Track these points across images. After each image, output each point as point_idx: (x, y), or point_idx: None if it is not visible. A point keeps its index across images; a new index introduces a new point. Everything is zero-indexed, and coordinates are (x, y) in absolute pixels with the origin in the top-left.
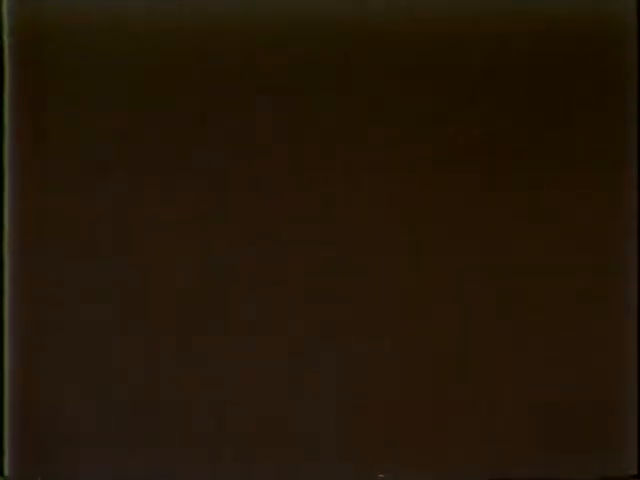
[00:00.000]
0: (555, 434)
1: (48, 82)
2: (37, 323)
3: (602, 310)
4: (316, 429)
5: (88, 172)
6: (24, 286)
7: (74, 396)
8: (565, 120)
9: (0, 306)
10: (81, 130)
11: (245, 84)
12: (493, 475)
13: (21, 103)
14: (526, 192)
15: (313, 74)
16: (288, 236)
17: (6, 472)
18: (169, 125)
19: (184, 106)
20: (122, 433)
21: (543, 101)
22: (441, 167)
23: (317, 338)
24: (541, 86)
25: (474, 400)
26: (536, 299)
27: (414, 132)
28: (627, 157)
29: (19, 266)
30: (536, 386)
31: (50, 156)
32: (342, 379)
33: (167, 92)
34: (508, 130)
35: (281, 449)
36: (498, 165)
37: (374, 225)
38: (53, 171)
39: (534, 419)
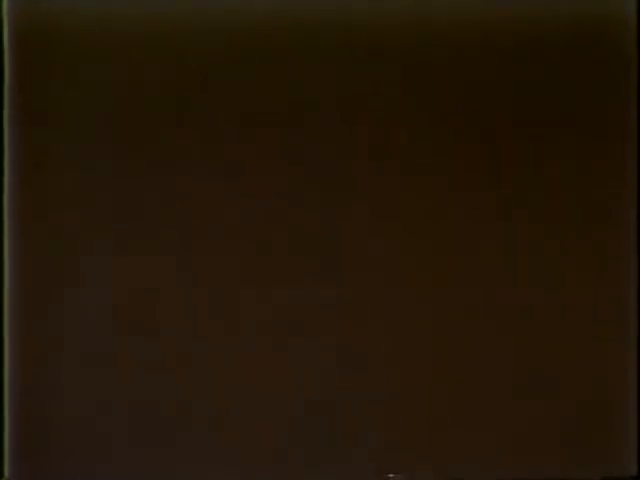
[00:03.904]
0: (555, 434)
1: (48, 82)
2: (37, 323)
3: (602, 310)
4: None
5: (88, 172)
6: (24, 286)
7: (74, 397)
8: (566, 119)
9: (0, 306)
10: (81, 130)
11: (244, 85)
12: (494, 475)
13: (21, 103)
14: (524, 192)
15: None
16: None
17: (6, 472)
18: (169, 125)
19: (184, 106)
20: (122, 433)
21: (543, 101)
22: (440, 165)
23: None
24: (541, 86)
25: (475, 401)
26: (537, 300)
27: (414, 134)
28: (627, 156)
29: (19, 268)
30: (537, 387)
31: (50, 156)
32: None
33: (166, 92)
34: (507, 129)
35: (283, 449)
36: (497, 163)
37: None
38: (53, 171)
39: (534, 419)
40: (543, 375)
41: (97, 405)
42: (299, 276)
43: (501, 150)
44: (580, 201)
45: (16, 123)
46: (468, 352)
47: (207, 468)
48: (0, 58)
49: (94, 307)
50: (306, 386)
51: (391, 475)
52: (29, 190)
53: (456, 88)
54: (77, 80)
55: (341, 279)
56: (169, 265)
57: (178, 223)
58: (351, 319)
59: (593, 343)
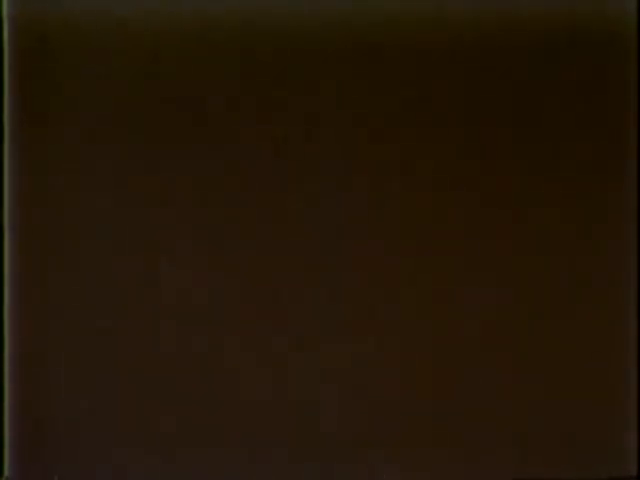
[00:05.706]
0: (555, 434)
1: (48, 81)
2: (37, 324)
3: (602, 311)
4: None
5: (87, 172)
6: (24, 287)
7: (74, 396)
8: (565, 119)
9: (1, 305)
10: (81, 130)
11: (244, 85)
12: (494, 475)
13: (21, 103)
14: (523, 191)
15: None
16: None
17: (6, 472)
18: (169, 124)
19: (184, 106)
20: (122, 433)
21: (543, 100)
22: (440, 165)
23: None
24: (542, 86)
25: (474, 401)
26: (537, 299)
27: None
28: (627, 156)
29: (19, 266)
30: (537, 387)
31: (50, 156)
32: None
33: (166, 92)
34: (507, 129)
35: (282, 449)
36: (497, 162)
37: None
38: (53, 170)
39: (534, 419)
40: (543, 375)
41: (97, 405)
42: (300, 279)
43: (500, 150)
44: (580, 201)
45: (16, 123)
46: (468, 352)
47: (206, 468)
48: (0, 58)
49: (94, 306)
50: (305, 386)
51: (384, 476)
52: (29, 190)
53: (456, 88)
54: (77, 80)
55: (340, 280)
56: (169, 263)
57: (178, 221)
58: (352, 319)
59: (593, 343)
